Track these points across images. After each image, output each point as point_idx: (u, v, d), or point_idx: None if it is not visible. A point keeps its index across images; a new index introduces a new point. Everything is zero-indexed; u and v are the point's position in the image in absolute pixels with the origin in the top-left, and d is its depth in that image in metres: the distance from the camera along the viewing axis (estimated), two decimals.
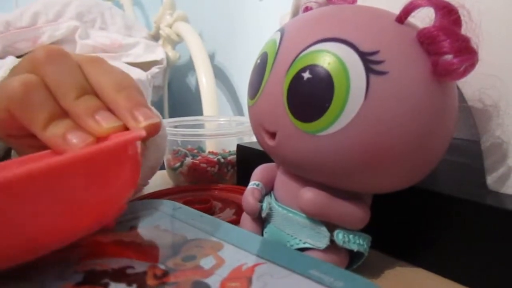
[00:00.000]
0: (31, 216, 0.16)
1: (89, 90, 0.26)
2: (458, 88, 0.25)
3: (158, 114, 0.39)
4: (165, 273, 0.19)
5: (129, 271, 0.19)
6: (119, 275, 0.18)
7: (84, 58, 0.27)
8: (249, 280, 0.18)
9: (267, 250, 0.21)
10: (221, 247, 0.21)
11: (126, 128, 0.25)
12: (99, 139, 0.24)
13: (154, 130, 0.24)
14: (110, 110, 0.25)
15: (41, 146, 0.24)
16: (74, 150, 0.23)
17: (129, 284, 0.18)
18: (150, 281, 0.18)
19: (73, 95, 0.25)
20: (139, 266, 0.19)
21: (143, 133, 0.22)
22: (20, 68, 0.26)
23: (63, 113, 0.25)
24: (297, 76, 0.21)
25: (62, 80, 0.25)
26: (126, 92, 0.25)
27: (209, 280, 0.18)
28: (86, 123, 0.24)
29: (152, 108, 0.40)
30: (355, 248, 0.23)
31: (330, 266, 0.19)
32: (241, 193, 0.29)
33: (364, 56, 0.20)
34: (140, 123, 0.24)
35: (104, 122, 0.24)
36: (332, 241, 0.23)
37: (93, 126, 0.24)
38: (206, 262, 0.19)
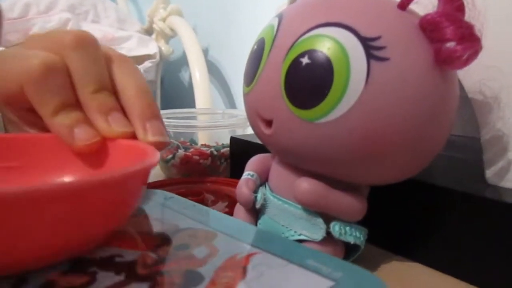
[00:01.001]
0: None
1: (109, 86, 0.25)
2: (458, 80, 0.24)
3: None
4: (156, 262, 0.18)
5: (117, 259, 0.18)
6: (107, 263, 0.18)
7: (113, 53, 0.27)
8: (244, 270, 0.17)
9: (262, 240, 0.20)
10: (214, 237, 0.20)
11: (134, 135, 0.24)
12: (105, 139, 0.24)
13: (159, 147, 0.24)
14: (124, 112, 0.25)
15: (41, 126, 0.24)
16: (78, 146, 0.23)
17: (117, 272, 0.17)
18: (140, 270, 0.17)
19: (92, 88, 0.24)
20: (129, 255, 0.18)
21: (157, 160, 0.20)
22: (43, 45, 0.25)
23: (76, 104, 0.24)
24: (296, 62, 0.20)
25: (85, 69, 0.24)
26: (146, 100, 0.25)
27: (202, 270, 0.17)
28: (97, 121, 0.24)
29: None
30: (351, 240, 0.23)
31: (328, 257, 0.18)
32: (234, 186, 0.28)
33: (365, 42, 0.19)
34: (148, 137, 0.24)
35: (115, 125, 0.24)
36: (328, 233, 0.23)
37: (103, 126, 0.24)
38: (199, 251, 0.19)
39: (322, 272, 0.17)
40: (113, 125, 0.24)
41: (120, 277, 0.17)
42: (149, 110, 0.25)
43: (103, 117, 0.24)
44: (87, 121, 0.24)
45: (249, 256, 0.18)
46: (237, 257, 0.18)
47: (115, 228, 0.20)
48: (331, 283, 0.16)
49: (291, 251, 0.19)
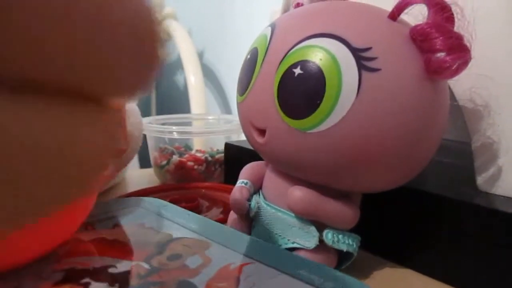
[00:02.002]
0: None
1: None
2: (449, 87, 0.24)
3: (140, 119, 0.39)
4: (150, 272, 0.18)
5: (111, 270, 0.18)
6: (101, 274, 0.18)
7: None
8: (237, 280, 0.17)
9: (255, 250, 0.20)
10: (208, 246, 0.20)
11: None
12: None
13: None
14: None
15: None
16: None
17: (111, 284, 0.17)
18: (133, 281, 0.17)
19: None
20: (122, 265, 0.19)
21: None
22: None
23: None
24: (288, 72, 0.21)
25: None
26: None
27: (195, 280, 0.17)
28: None
29: (136, 109, 0.39)
30: (344, 248, 0.23)
31: (320, 266, 0.18)
32: (229, 192, 0.28)
33: (357, 53, 0.19)
34: None
35: None
36: (321, 241, 0.23)
37: None
38: (192, 261, 0.19)
39: (314, 283, 0.17)
40: None
41: None
42: None
43: None
44: None
45: (241, 266, 0.18)
46: (230, 267, 0.18)
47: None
48: None
49: (283, 261, 0.19)
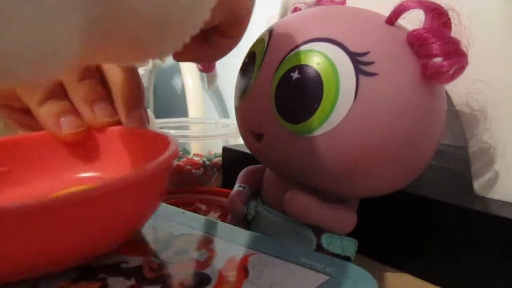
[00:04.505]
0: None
1: (94, 74, 0.25)
2: (446, 92, 0.25)
3: (152, 116, 0.39)
4: (161, 266, 0.18)
5: (123, 265, 0.18)
6: (115, 269, 0.18)
7: None
8: (246, 270, 0.18)
9: (255, 242, 0.21)
10: (210, 241, 0.21)
11: (120, 123, 0.24)
12: (92, 129, 0.24)
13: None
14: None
15: (32, 126, 0.24)
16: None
17: (127, 277, 0.17)
18: (148, 274, 0.18)
19: (77, 75, 0.24)
20: (132, 261, 0.19)
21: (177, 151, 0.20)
22: None
23: (63, 94, 0.24)
24: (286, 76, 0.21)
25: None
26: (130, 87, 0.25)
27: (207, 271, 0.18)
28: (82, 110, 0.24)
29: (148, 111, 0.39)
30: (341, 252, 0.23)
31: (320, 255, 0.20)
32: (226, 196, 0.28)
33: (354, 57, 0.20)
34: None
35: (99, 115, 0.24)
36: (318, 245, 0.23)
37: (87, 116, 0.24)
38: (200, 255, 0.19)
39: (316, 268, 0.18)
40: (97, 115, 0.24)
41: (131, 282, 0.17)
42: (133, 98, 0.25)
43: (88, 107, 0.23)
44: (73, 111, 0.24)
45: (247, 257, 0.19)
46: (236, 258, 0.19)
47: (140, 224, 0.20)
48: (326, 277, 0.18)
49: (285, 251, 0.20)
